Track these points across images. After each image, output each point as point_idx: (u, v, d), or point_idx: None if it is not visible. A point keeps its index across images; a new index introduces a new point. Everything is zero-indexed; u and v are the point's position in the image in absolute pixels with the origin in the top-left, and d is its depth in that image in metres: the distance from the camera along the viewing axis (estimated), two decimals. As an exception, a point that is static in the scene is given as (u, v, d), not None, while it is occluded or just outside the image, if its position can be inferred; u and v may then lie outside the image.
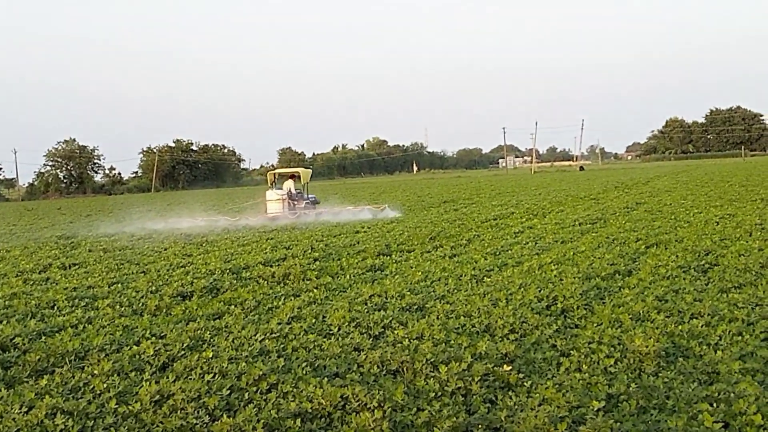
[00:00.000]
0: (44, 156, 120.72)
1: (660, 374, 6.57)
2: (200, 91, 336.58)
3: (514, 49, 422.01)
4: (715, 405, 5.67)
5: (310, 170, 37.02)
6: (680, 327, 8.05)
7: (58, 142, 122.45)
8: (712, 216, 19.98)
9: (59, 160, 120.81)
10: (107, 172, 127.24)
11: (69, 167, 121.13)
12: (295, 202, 31.59)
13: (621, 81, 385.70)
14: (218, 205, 46.16)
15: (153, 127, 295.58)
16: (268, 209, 31.28)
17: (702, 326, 8.08)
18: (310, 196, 33.40)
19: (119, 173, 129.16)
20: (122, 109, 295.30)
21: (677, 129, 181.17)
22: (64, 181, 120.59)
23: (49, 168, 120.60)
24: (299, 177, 33.52)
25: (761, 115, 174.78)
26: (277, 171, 34.89)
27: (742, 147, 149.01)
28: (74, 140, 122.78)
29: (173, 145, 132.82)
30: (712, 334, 7.81)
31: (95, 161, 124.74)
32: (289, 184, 32.61)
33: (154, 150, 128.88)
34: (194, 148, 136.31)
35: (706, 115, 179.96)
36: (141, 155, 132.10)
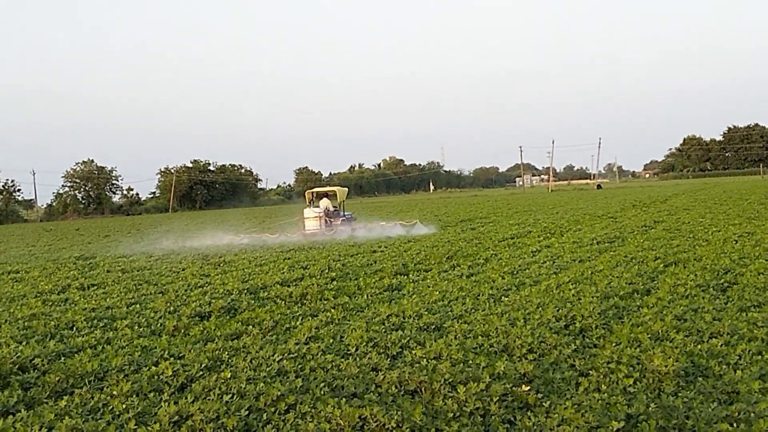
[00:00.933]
0: (62, 177, 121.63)
1: (679, 394, 6.54)
2: (217, 110, 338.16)
3: (532, 68, 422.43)
4: (735, 425, 5.65)
5: (346, 189, 38.59)
6: (699, 346, 8.02)
7: (77, 163, 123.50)
8: (730, 234, 19.89)
9: (77, 180, 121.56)
10: (125, 192, 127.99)
11: (87, 188, 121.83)
12: (332, 219, 32.96)
13: (638, 99, 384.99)
14: (236, 225, 46.24)
15: (170, 147, 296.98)
16: (306, 226, 32.68)
17: (721, 345, 8.04)
18: (346, 213, 34.95)
19: (137, 194, 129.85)
20: (140, 130, 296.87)
21: (695, 147, 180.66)
22: (83, 201, 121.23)
23: (67, 189, 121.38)
24: (335, 195, 35.23)
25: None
26: (314, 190, 36.16)
27: (761, 165, 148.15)
28: (92, 161, 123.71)
29: (191, 165, 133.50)
30: (732, 354, 7.77)
31: (113, 182, 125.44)
32: (326, 202, 33.93)
33: (172, 171, 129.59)
34: (211, 168, 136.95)
35: (724, 133, 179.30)
36: (158, 176, 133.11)
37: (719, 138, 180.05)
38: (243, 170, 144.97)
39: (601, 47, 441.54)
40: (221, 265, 20.16)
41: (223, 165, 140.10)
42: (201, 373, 8.03)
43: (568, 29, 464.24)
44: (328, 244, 25.82)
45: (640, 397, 6.48)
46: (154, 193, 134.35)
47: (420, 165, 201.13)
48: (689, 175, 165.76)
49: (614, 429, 5.62)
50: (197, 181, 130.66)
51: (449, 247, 21.18)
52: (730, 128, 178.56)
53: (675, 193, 60.90)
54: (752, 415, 5.84)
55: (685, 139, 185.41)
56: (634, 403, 6.28)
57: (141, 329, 10.89)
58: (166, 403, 6.71)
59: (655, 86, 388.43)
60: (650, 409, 6.10)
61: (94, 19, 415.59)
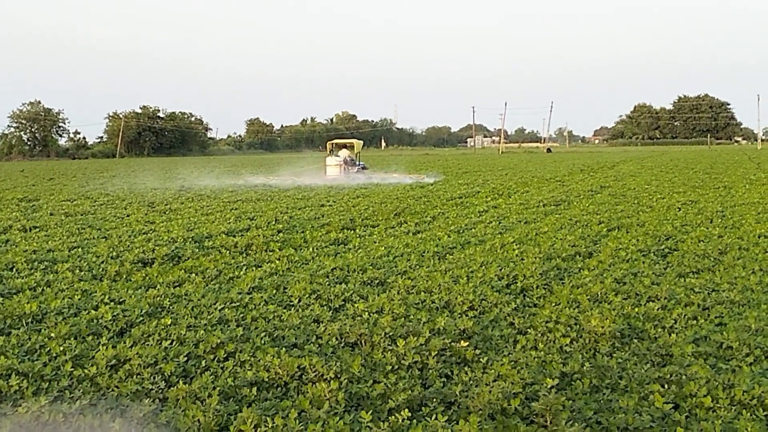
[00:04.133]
0: (8, 117, 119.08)
1: (614, 355, 6.67)
2: (168, 57, 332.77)
3: (485, 28, 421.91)
4: (666, 386, 5.77)
5: (362, 141, 47.27)
6: (637, 309, 8.17)
7: (23, 104, 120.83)
8: (674, 202, 20.20)
9: (23, 122, 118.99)
10: (72, 136, 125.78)
11: (33, 130, 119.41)
12: (350, 167, 38.31)
13: (591, 65, 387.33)
14: (183, 174, 45.81)
15: (119, 92, 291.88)
16: (327, 173, 37.76)
17: (658, 309, 8.19)
18: (359, 163, 40.43)
19: (84, 138, 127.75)
20: (89, 73, 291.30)
21: (645, 115, 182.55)
22: (28, 143, 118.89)
23: (12, 130, 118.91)
24: (353, 147, 41.43)
25: (728, 104, 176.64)
26: (335, 141, 41.85)
27: (708, 135, 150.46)
28: (39, 102, 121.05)
29: (140, 111, 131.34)
30: (668, 318, 7.93)
31: (60, 124, 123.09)
32: (345, 152, 39.43)
33: (120, 116, 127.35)
34: (161, 115, 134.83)
35: (674, 102, 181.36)
36: (107, 120, 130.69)
37: (669, 107, 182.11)
38: (193, 119, 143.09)
39: (557, 10, 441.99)
40: (167, 212, 19.98)
41: (173, 112, 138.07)
42: (141, 318, 7.99)
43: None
44: (277, 195, 25.71)
45: (576, 356, 6.60)
46: (101, 137, 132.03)
47: (373, 121, 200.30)
48: (638, 142, 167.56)
49: (549, 386, 5.71)
50: (146, 128, 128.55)
51: (397, 204, 21.23)
52: (680, 98, 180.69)
53: (623, 159, 61.56)
54: (684, 377, 5.97)
55: (635, 107, 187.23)
56: (569, 362, 6.38)
57: (82, 273, 10.75)
58: (104, 347, 6.65)
59: (608, 53, 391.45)
60: (585, 368, 6.21)
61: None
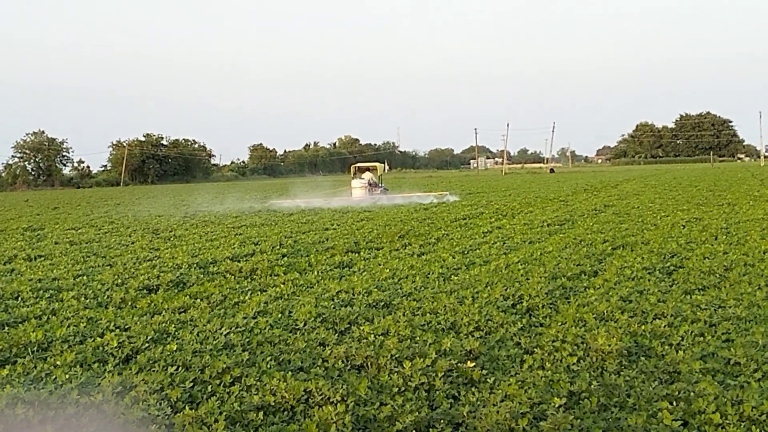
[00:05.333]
0: (12, 147, 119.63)
1: (622, 373, 6.64)
2: (171, 85, 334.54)
3: (487, 51, 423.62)
4: (675, 403, 5.74)
5: (384, 164, 49.59)
6: (643, 327, 8.14)
7: (27, 134, 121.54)
8: (678, 219, 20.18)
9: (27, 152, 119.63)
10: (76, 165, 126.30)
11: (37, 159, 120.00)
12: (374, 189, 40.41)
13: (592, 84, 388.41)
14: (193, 202, 45.89)
15: (123, 121, 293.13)
16: (354, 194, 39.96)
17: (665, 327, 8.17)
18: (381, 184, 42.19)
19: (88, 166, 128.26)
20: (92, 102, 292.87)
21: (647, 133, 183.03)
22: (32, 173, 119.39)
23: (17, 160, 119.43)
24: (376, 169, 43.04)
25: (730, 122, 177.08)
26: (358, 165, 43.76)
27: (711, 152, 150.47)
28: (43, 132, 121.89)
29: (143, 139, 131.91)
30: (675, 335, 7.90)
31: (64, 154, 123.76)
32: (369, 174, 41.56)
33: (124, 144, 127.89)
34: (164, 142, 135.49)
35: (676, 120, 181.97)
36: (110, 149, 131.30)
37: (671, 125, 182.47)
38: (196, 145, 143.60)
39: (558, 30, 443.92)
40: (171, 239, 20.00)
41: (177, 140, 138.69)
42: (147, 345, 7.97)
43: (527, 12, 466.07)
44: (281, 220, 25.75)
45: (583, 375, 6.56)
46: (105, 166, 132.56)
47: (375, 145, 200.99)
48: (641, 161, 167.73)
49: (556, 405, 5.69)
50: (150, 155, 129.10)
51: (401, 226, 21.21)
52: (682, 116, 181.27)
53: (626, 178, 61.60)
54: (692, 394, 5.94)
55: (637, 126, 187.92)
56: (576, 380, 6.36)
57: (87, 301, 10.75)
58: (110, 374, 6.65)
59: (610, 72, 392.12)
60: (592, 386, 6.18)
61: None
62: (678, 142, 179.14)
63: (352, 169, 43.42)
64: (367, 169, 42.78)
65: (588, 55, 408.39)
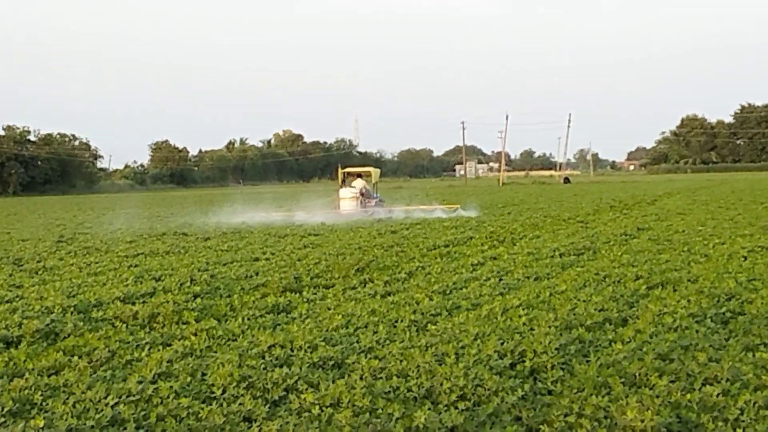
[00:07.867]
0: None
1: (660, 460, 6.67)
2: (39, 60, 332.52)
3: (480, 12, 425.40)
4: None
5: (379, 170, 51.56)
6: (689, 396, 8.17)
7: None
8: (738, 248, 20.33)
9: None
10: None
11: None
12: (368, 200, 42.86)
13: (623, 65, 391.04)
14: (71, 221, 45.55)
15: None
16: (342, 206, 42.38)
17: (718, 395, 8.20)
18: (376, 195, 45.22)
19: None
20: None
21: (696, 131, 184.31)
22: None
23: None
24: (370, 175, 46.22)
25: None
26: (346, 170, 46.32)
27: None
28: None
29: (2, 133, 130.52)
30: (732, 407, 7.93)
31: None
32: (361, 182, 44.28)
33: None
34: (32, 137, 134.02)
35: (736, 113, 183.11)
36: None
37: (729, 120, 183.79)
38: (77, 143, 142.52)
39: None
40: (40, 272, 19.83)
41: (49, 134, 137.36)
42: (3, 419, 7.89)
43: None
44: (193, 246, 25.64)
45: (607, 462, 6.59)
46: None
47: (326, 144, 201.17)
48: (687, 168, 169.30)
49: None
50: (11, 156, 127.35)
51: (360, 255, 21.19)
52: (743, 107, 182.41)
53: (667, 191, 62.15)
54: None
55: (683, 121, 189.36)
56: (598, 470, 6.38)
57: None
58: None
59: (646, 50, 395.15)
60: (619, 478, 6.20)
61: None
62: (738, 142, 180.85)
63: (340, 175, 45.45)
64: (359, 175, 45.43)
65: (617, 26, 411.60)
